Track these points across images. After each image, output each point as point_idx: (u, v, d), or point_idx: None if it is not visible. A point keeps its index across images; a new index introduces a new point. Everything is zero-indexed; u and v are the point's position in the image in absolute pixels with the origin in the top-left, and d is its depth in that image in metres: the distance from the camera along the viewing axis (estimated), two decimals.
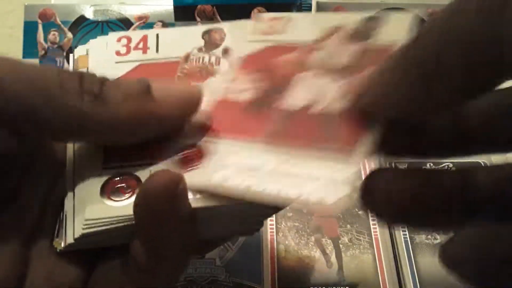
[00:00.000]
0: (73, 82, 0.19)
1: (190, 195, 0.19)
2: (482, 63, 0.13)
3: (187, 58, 0.24)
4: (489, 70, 0.13)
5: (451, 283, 0.41)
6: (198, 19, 0.52)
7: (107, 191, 0.21)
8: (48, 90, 0.19)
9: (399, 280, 0.41)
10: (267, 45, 0.24)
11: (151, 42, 0.24)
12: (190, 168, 0.20)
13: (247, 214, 0.21)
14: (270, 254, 0.41)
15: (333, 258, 0.41)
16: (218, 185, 0.19)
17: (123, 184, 0.21)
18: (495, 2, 0.12)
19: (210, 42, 0.25)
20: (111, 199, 0.20)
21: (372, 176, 0.18)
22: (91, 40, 0.26)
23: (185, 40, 0.25)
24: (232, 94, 0.22)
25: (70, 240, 0.20)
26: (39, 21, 0.52)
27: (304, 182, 0.18)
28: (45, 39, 0.51)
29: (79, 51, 0.25)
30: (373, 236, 0.42)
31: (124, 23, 0.54)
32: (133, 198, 0.20)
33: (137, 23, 0.54)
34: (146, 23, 0.54)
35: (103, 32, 0.53)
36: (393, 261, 0.42)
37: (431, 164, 0.48)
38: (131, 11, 0.54)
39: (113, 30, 0.53)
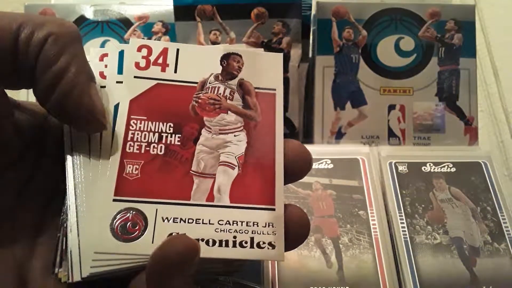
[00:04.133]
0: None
1: None
2: None
3: (203, 85, 0.24)
4: None
5: (451, 283, 0.42)
6: (198, 19, 0.52)
7: (116, 226, 0.21)
8: None
9: (399, 280, 0.41)
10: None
11: (171, 58, 0.24)
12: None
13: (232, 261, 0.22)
14: None
15: (333, 258, 0.41)
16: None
17: (131, 221, 0.21)
18: None
19: (227, 70, 0.25)
20: (120, 236, 0.21)
21: None
22: (110, 45, 0.25)
23: (203, 62, 0.25)
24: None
25: (77, 277, 0.20)
26: None
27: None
28: None
29: (94, 54, 0.25)
30: (373, 236, 0.42)
31: (124, 23, 0.54)
32: (141, 238, 0.21)
33: (137, 23, 0.54)
34: (146, 23, 0.54)
35: (103, 33, 0.53)
36: (393, 261, 0.42)
37: (431, 164, 0.48)
38: (131, 11, 0.54)
39: (113, 30, 0.53)
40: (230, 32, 0.52)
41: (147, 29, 0.54)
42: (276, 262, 0.41)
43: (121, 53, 0.24)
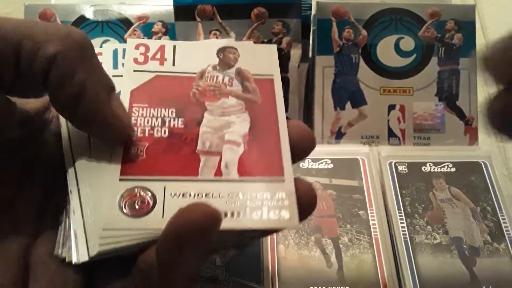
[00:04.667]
0: None
1: None
2: None
3: (202, 75, 0.25)
4: None
5: (450, 283, 0.42)
6: (198, 19, 0.52)
7: (123, 204, 0.21)
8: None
9: (399, 280, 0.41)
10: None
11: (168, 54, 0.25)
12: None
13: (243, 233, 0.22)
14: (270, 254, 0.41)
15: (333, 258, 0.41)
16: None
17: (139, 198, 0.21)
18: None
19: (224, 61, 0.25)
20: (128, 213, 0.20)
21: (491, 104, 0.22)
22: (104, 45, 0.26)
23: (200, 56, 0.25)
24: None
25: (84, 257, 0.20)
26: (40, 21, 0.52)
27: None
28: None
29: None
30: (373, 236, 0.43)
31: (124, 23, 0.54)
32: (150, 213, 0.20)
33: (137, 23, 0.54)
34: (146, 23, 0.54)
35: (103, 33, 0.53)
36: (393, 261, 0.42)
37: (431, 164, 0.48)
38: (131, 11, 0.54)
39: (113, 31, 0.53)
40: (230, 32, 0.52)
41: (147, 29, 0.54)
42: (276, 262, 0.41)
43: (115, 51, 0.25)
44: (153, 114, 0.23)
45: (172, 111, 0.23)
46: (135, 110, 0.23)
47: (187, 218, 0.18)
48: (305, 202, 0.22)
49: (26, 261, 0.21)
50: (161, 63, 0.25)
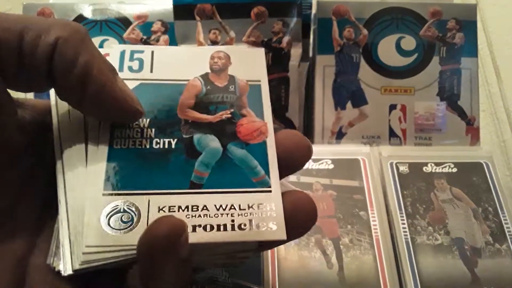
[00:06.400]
0: None
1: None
2: None
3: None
4: None
5: (452, 283, 0.41)
6: (197, 18, 0.51)
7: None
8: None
9: (400, 281, 0.41)
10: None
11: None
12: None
13: (234, 249, 0.22)
14: (270, 254, 0.41)
15: (333, 258, 0.41)
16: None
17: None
18: None
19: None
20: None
21: None
22: (114, 46, 0.26)
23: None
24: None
25: (69, 271, 0.20)
26: None
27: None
28: None
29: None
30: (373, 237, 0.42)
31: (123, 22, 0.53)
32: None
33: (136, 22, 0.53)
34: (145, 22, 0.53)
35: (102, 32, 0.53)
36: (394, 262, 0.41)
37: (432, 164, 0.47)
38: (130, 10, 0.54)
39: (112, 30, 0.53)
40: (230, 31, 0.51)
41: (146, 28, 0.53)
42: (276, 262, 0.40)
43: (122, 53, 0.25)
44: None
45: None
46: None
47: (153, 232, 0.19)
48: (304, 215, 0.22)
49: (23, 270, 0.21)
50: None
